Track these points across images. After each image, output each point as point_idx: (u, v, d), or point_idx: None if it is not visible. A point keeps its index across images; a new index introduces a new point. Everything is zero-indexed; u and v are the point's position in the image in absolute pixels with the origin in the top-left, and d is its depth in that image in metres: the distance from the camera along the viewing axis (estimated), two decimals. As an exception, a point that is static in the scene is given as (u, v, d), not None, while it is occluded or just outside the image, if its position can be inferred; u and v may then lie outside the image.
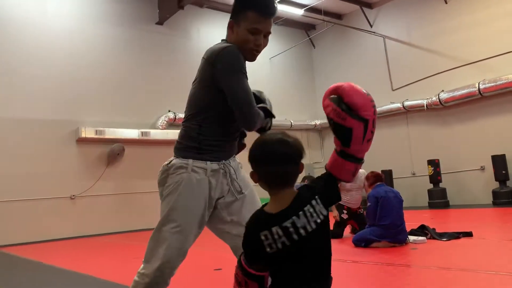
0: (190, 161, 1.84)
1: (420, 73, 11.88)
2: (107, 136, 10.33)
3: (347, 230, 6.54)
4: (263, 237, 1.26)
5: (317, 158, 14.72)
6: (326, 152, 14.80)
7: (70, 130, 10.19)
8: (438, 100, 11.31)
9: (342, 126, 1.35)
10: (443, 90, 11.26)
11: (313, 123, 14.57)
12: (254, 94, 1.91)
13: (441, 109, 11.59)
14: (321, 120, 14.59)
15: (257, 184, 1.42)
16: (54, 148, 9.95)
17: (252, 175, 1.36)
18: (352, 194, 6.43)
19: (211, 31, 12.82)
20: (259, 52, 1.88)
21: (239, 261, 1.36)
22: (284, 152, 1.32)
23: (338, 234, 6.25)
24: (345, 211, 6.40)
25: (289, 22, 14.28)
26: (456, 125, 11.43)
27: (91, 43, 10.77)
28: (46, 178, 9.67)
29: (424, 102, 11.70)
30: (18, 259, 6.73)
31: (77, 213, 9.96)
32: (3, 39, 9.66)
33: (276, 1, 1.82)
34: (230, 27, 1.88)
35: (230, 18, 1.88)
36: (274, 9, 1.84)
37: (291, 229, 1.25)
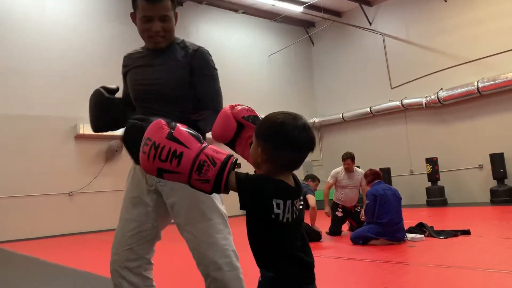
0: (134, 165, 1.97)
1: (419, 71, 11.88)
2: (105, 133, 10.28)
3: (345, 228, 6.55)
4: (275, 204, 1.21)
5: (315, 156, 14.72)
6: (325, 150, 14.80)
7: (68, 127, 10.17)
8: (436, 98, 11.32)
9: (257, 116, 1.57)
10: (441, 89, 11.27)
11: (311, 121, 14.55)
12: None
13: (439, 107, 11.60)
14: (320, 117, 14.59)
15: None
16: (52, 144, 9.93)
17: (260, 153, 1.26)
18: (346, 192, 6.43)
19: (210, 28, 12.81)
20: (162, 37, 1.83)
21: (222, 169, 1.21)
22: (312, 139, 1.30)
23: (336, 232, 6.26)
24: (339, 209, 6.41)
25: (288, 19, 14.26)
26: (454, 123, 11.44)
27: (89, 39, 10.74)
28: (44, 174, 9.65)
29: (423, 100, 11.71)
30: (15, 255, 6.72)
31: (75, 209, 9.94)
32: (1, 36, 9.62)
33: None
34: (132, 19, 1.89)
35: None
36: None
37: (295, 207, 1.25)
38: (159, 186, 1.83)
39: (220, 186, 1.21)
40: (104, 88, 1.94)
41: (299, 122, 1.29)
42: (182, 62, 1.86)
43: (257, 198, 1.21)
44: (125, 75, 1.99)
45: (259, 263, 1.28)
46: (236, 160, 1.27)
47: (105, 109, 1.95)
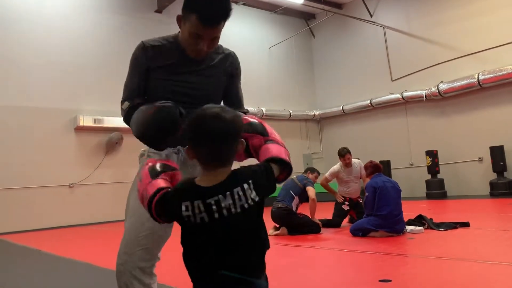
0: (147, 148, 1.87)
1: (419, 64, 11.85)
2: (105, 125, 10.31)
3: (345, 220, 6.57)
4: (184, 208, 1.22)
5: (315, 149, 14.73)
6: (325, 142, 14.80)
7: (69, 119, 10.17)
8: (437, 91, 11.30)
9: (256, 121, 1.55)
10: (442, 81, 11.25)
11: (311, 113, 14.56)
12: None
13: (440, 100, 11.58)
14: (320, 110, 14.58)
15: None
16: (53, 136, 9.93)
17: (187, 152, 1.30)
18: (351, 185, 6.48)
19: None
20: (204, 52, 1.79)
21: (151, 201, 1.28)
22: (220, 130, 1.24)
23: (336, 224, 6.28)
24: (346, 202, 6.44)
25: (289, 11, 14.19)
26: (455, 116, 11.43)
27: (89, 31, 10.70)
28: (45, 166, 9.67)
29: (423, 93, 11.68)
30: (16, 246, 6.75)
31: (75, 201, 9.97)
32: (2, 28, 9.58)
33: (224, 8, 1.71)
34: (178, 20, 1.79)
35: (182, 10, 1.77)
36: (217, 19, 1.69)
37: (214, 207, 1.21)
38: None
39: (153, 216, 1.31)
40: (178, 108, 1.67)
41: (211, 112, 1.27)
42: (220, 66, 1.91)
43: (169, 208, 1.26)
44: (147, 68, 1.84)
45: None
46: (166, 193, 1.30)
47: (176, 131, 1.70)
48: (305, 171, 6.46)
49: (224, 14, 1.70)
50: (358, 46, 13.71)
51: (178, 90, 1.83)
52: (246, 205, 1.22)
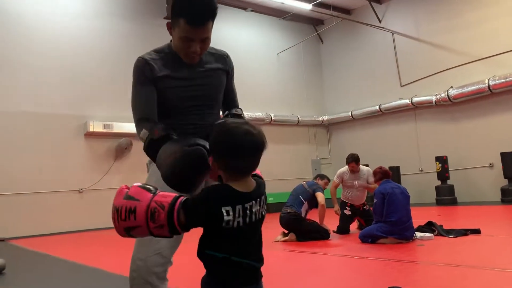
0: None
1: (429, 69, 11.80)
2: (115, 131, 10.38)
3: (354, 226, 6.53)
4: (224, 212, 1.26)
5: (324, 154, 14.69)
6: (333, 148, 14.76)
7: (79, 124, 10.25)
8: (447, 96, 11.23)
9: None
10: (452, 86, 11.18)
11: (320, 118, 14.53)
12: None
13: (450, 105, 11.51)
14: (328, 115, 14.56)
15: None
16: (63, 142, 10.02)
17: (213, 164, 1.36)
18: (354, 191, 6.42)
19: (219, 26, 12.76)
20: (199, 54, 1.83)
21: (171, 210, 1.27)
22: (256, 143, 1.34)
23: (345, 230, 6.25)
24: (348, 208, 6.41)
25: (297, 17, 14.22)
26: (465, 121, 11.34)
27: (99, 37, 10.80)
28: (55, 171, 9.75)
29: (433, 98, 11.62)
30: (26, 251, 6.80)
31: (85, 206, 10.03)
32: (13, 33, 9.72)
33: (210, 8, 1.74)
34: (168, 28, 1.84)
35: (170, 18, 1.80)
36: (204, 19, 1.73)
37: (248, 212, 1.31)
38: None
39: (175, 227, 1.27)
40: (204, 147, 1.59)
41: (242, 128, 1.34)
42: (219, 67, 1.98)
43: (207, 212, 1.27)
44: (153, 80, 1.84)
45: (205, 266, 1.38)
46: (187, 199, 1.30)
47: (202, 174, 1.60)
48: (315, 177, 6.44)
49: (210, 13, 1.75)
50: (366, 52, 13.69)
51: (188, 95, 1.88)
52: (263, 213, 1.39)
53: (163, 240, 1.73)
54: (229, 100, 2.08)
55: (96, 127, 10.21)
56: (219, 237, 1.31)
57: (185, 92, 1.88)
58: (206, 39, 1.81)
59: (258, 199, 1.35)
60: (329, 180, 6.50)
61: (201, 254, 1.35)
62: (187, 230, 1.30)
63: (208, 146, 1.50)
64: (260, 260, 1.41)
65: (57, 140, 9.94)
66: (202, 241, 1.35)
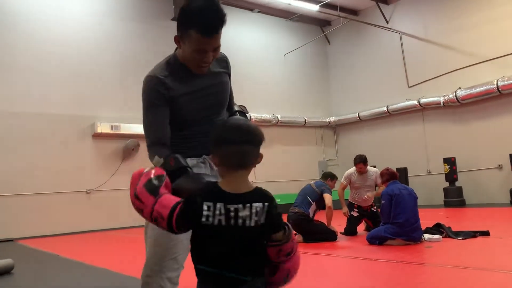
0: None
1: (436, 70, 11.73)
2: (122, 132, 10.44)
3: (361, 228, 6.50)
4: (205, 207, 1.30)
5: (331, 155, 14.65)
6: (340, 149, 14.72)
7: (86, 126, 10.32)
8: (455, 97, 11.15)
9: None
10: (460, 87, 11.10)
11: (327, 120, 14.50)
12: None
13: (458, 106, 11.43)
14: (335, 117, 14.52)
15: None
16: (71, 143, 10.09)
17: (212, 159, 1.41)
18: (362, 193, 6.37)
19: (226, 27, 12.73)
20: (208, 65, 1.83)
21: (171, 214, 1.36)
22: (243, 132, 1.37)
23: (352, 232, 6.22)
24: (355, 209, 6.37)
25: (304, 18, 14.21)
26: (473, 122, 11.25)
27: (107, 39, 10.86)
28: (63, 172, 9.81)
29: (441, 99, 11.54)
30: (34, 251, 6.84)
31: (92, 207, 10.08)
32: (21, 35, 9.80)
33: (220, 16, 1.74)
34: (177, 41, 1.81)
35: (177, 31, 1.78)
36: (216, 28, 1.72)
37: (232, 213, 1.29)
38: None
39: (174, 231, 1.39)
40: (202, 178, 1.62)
41: (231, 123, 1.44)
42: (223, 71, 1.98)
43: (192, 208, 1.33)
44: (169, 99, 1.81)
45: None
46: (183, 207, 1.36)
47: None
48: (325, 177, 6.32)
49: (221, 21, 1.74)
50: (374, 53, 13.64)
51: (203, 106, 1.88)
52: (260, 222, 1.31)
53: (178, 244, 1.75)
54: (230, 102, 2.10)
55: (103, 128, 10.26)
56: (202, 239, 1.33)
57: (200, 104, 1.87)
58: (218, 48, 1.80)
59: (249, 205, 1.30)
60: (337, 178, 6.44)
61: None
62: (185, 230, 1.39)
63: None
64: (249, 272, 1.32)
65: (65, 141, 10.00)
66: (191, 252, 1.39)
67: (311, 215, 5.81)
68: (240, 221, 1.29)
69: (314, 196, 5.87)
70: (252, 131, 1.38)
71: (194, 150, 1.87)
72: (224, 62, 1.99)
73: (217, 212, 1.29)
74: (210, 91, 1.90)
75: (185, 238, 1.74)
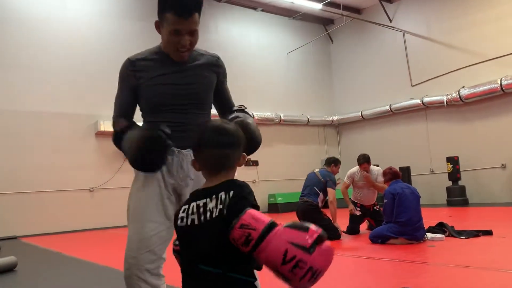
0: None
1: (440, 69, 11.70)
2: (125, 130, 10.45)
3: (364, 226, 6.50)
4: (182, 210, 1.32)
5: (333, 154, 14.61)
6: (343, 148, 14.70)
7: (89, 124, 10.34)
8: (458, 96, 11.12)
9: None
10: (463, 86, 11.07)
11: (330, 118, 14.49)
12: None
13: (461, 105, 11.39)
14: (338, 115, 14.50)
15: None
16: (74, 141, 10.12)
17: (193, 163, 1.39)
18: (364, 192, 6.35)
19: (229, 26, 12.84)
20: (187, 50, 1.85)
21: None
22: (219, 135, 1.33)
23: (355, 230, 6.21)
24: (358, 208, 6.36)
25: (307, 17, 14.19)
26: (476, 122, 11.22)
27: (109, 37, 10.88)
28: (66, 170, 9.84)
29: (444, 98, 11.51)
30: (37, 249, 6.87)
31: (95, 205, 10.11)
32: (24, 34, 9.83)
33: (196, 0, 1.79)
34: (157, 27, 1.89)
35: (157, 16, 1.86)
36: (190, 8, 1.77)
37: (201, 209, 1.27)
38: (184, 183, 1.88)
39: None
40: (164, 132, 1.76)
41: (212, 124, 1.39)
42: (208, 67, 1.98)
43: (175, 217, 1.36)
44: (138, 81, 1.90)
45: None
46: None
47: (162, 154, 1.79)
48: (328, 163, 6.21)
49: (196, 4, 1.80)
50: (377, 51, 13.61)
51: (169, 92, 1.89)
52: (224, 211, 1.21)
53: (154, 237, 1.81)
54: (224, 100, 2.10)
55: (106, 126, 10.28)
56: (180, 240, 1.35)
57: (173, 90, 1.89)
58: (194, 32, 1.83)
59: (215, 196, 1.25)
60: (340, 163, 6.36)
61: None
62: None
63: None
64: (221, 265, 1.22)
65: (68, 139, 10.03)
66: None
67: (320, 205, 5.80)
68: (208, 214, 1.24)
69: (320, 186, 5.83)
70: (230, 133, 1.34)
71: None
72: (212, 60, 2.00)
73: (190, 211, 1.29)
74: (187, 80, 1.91)
75: (161, 230, 1.83)
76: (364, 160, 6.27)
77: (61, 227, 9.48)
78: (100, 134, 10.39)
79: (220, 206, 1.22)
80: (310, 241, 1.11)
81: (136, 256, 1.79)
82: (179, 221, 1.31)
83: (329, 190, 5.80)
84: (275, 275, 1.14)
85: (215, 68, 2.00)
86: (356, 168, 6.45)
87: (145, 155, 1.78)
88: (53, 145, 9.79)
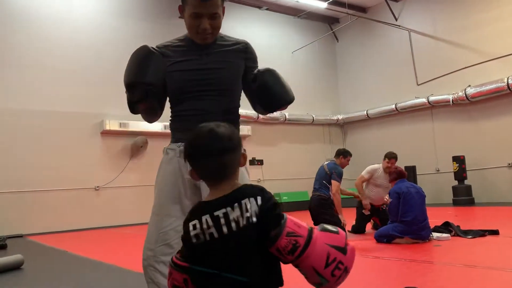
0: (167, 145, 1.99)
1: (446, 68, 11.64)
2: (130, 129, 10.48)
3: (369, 226, 6.47)
4: (191, 227, 1.19)
5: (339, 153, 14.59)
6: (349, 147, 14.60)
7: (95, 123, 10.38)
8: (464, 95, 11.06)
9: None
10: (469, 85, 11.01)
11: (335, 117, 14.46)
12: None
13: (467, 104, 11.33)
14: (343, 115, 14.47)
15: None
16: (79, 140, 10.16)
17: (191, 173, 1.29)
18: (379, 191, 6.28)
19: (234, 24, 12.82)
20: (209, 34, 1.85)
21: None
22: (213, 141, 1.22)
23: (360, 230, 6.19)
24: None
25: (312, 16, 14.16)
26: (482, 121, 11.16)
27: (115, 37, 10.91)
28: (71, 169, 9.89)
29: (450, 97, 11.46)
30: (43, 247, 6.91)
31: (101, 204, 10.16)
32: (30, 33, 9.88)
33: None
34: (180, 11, 1.90)
35: (181, 1, 1.89)
36: None
37: (222, 220, 1.17)
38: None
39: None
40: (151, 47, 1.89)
41: (202, 130, 1.26)
42: (234, 53, 1.95)
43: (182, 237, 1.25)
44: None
45: None
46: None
47: (154, 64, 1.86)
48: (337, 155, 6.15)
49: None
50: (382, 50, 13.56)
51: (197, 78, 1.89)
52: (253, 219, 1.15)
53: (171, 231, 1.85)
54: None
55: (112, 125, 10.32)
56: (196, 256, 1.22)
57: (194, 76, 1.88)
58: (215, 15, 1.82)
59: (237, 204, 1.17)
60: (351, 155, 6.24)
61: None
62: (191, 258, 1.26)
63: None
64: (248, 274, 1.16)
65: (74, 138, 10.08)
66: None
67: (332, 197, 5.72)
68: (233, 224, 1.15)
69: (327, 179, 5.77)
70: (225, 137, 1.23)
71: (181, 131, 1.93)
72: (240, 45, 1.98)
73: (205, 226, 1.17)
74: (210, 66, 1.90)
75: (178, 225, 1.85)
76: (391, 156, 6.21)
77: (67, 226, 9.52)
78: (106, 133, 10.43)
79: (247, 214, 1.15)
80: (344, 242, 1.18)
81: (154, 249, 1.86)
82: (194, 240, 1.19)
83: (333, 182, 5.74)
84: (309, 280, 1.19)
85: (242, 54, 1.98)
86: (378, 165, 6.37)
87: (130, 68, 1.91)
88: (59, 144, 9.84)
